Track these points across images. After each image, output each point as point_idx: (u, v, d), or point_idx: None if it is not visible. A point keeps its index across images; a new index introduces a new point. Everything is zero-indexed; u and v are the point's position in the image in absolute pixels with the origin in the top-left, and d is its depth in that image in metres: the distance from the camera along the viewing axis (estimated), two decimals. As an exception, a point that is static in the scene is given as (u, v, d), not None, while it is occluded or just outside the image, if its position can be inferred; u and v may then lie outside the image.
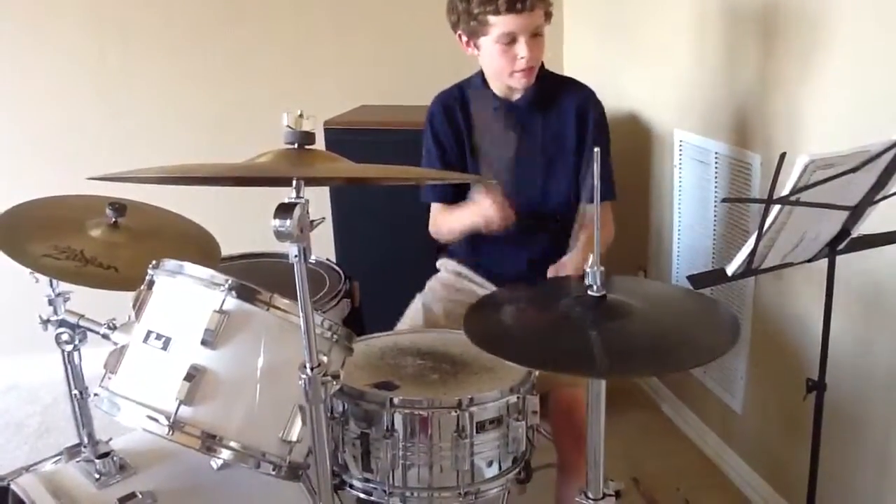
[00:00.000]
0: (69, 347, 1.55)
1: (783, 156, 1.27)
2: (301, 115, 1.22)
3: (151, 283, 1.38)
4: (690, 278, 1.46)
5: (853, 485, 1.87)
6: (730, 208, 2.23)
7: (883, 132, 1.34)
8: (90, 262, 1.52)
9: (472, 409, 1.38)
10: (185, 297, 1.35)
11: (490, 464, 1.44)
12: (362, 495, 1.45)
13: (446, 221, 1.98)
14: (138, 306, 1.37)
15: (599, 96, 1.96)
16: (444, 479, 1.41)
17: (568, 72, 2.08)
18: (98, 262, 1.53)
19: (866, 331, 1.78)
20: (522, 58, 1.79)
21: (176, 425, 1.27)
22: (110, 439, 1.59)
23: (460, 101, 1.97)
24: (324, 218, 1.18)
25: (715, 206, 2.32)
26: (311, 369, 1.17)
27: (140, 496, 1.44)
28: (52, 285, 1.53)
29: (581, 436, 1.38)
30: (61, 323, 1.54)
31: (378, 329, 1.77)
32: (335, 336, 1.36)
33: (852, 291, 1.76)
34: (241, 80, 3.08)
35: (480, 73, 1.94)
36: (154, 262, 1.39)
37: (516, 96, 1.91)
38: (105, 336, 1.42)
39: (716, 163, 2.27)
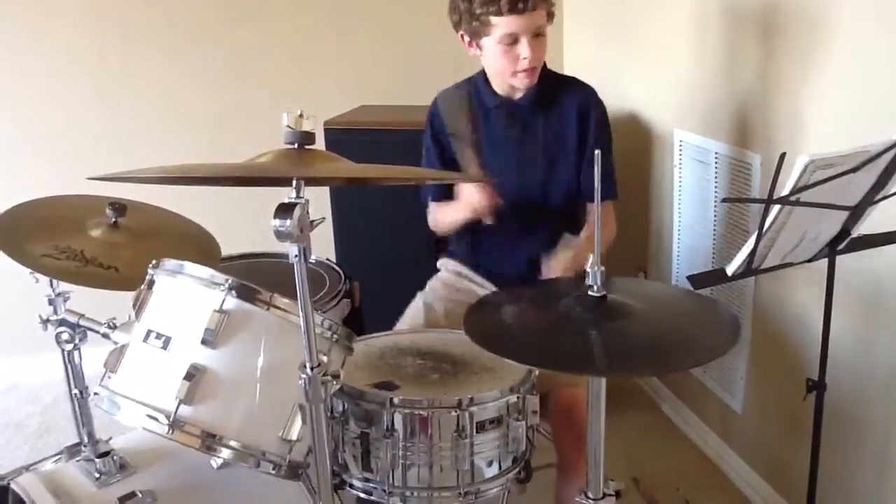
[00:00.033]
0: (69, 347, 1.55)
1: (783, 156, 1.27)
2: (301, 115, 1.22)
3: (151, 283, 1.38)
4: (690, 278, 1.46)
5: (853, 485, 1.87)
6: (730, 208, 2.23)
7: (883, 132, 1.34)
8: (90, 262, 1.53)
9: (472, 409, 1.38)
10: (186, 296, 1.35)
11: (490, 463, 1.44)
12: (362, 495, 1.45)
13: (444, 216, 1.99)
14: (138, 306, 1.37)
15: (599, 96, 1.96)
16: (444, 478, 1.41)
17: (568, 72, 2.08)
18: (98, 262, 1.53)
19: (866, 331, 1.78)
20: (525, 58, 1.79)
21: (176, 424, 1.27)
22: (110, 438, 1.60)
23: (461, 100, 1.97)
24: (324, 218, 1.18)
25: (715, 206, 2.32)
26: (311, 369, 1.17)
27: (140, 495, 1.44)
28: (52, 285, 1.53)
29: (581, 436, 1.38)
30: (61, 322, 1.54)
31: (378, 329, 1.77)
32: (335, 336, 1.36)
33: (852, 291, 1.76)
34: (241, 80, 3.08)
35: (482, 73, 1.94)
36: (154, 261, 1.39)
37: (518, 95, 1.91)
38: (105, 335, 1.42)
39: (716, 163, 2.27)
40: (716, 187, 2.29)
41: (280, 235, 1.09)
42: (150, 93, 3.05)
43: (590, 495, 1.27)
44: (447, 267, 2.09)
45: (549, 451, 1.71)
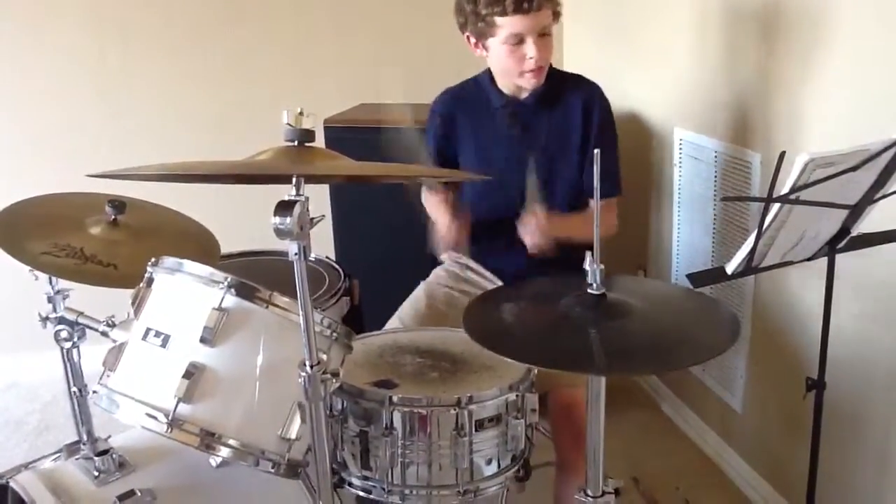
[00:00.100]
0: (68, 345, 1.55)
1: (783, 154, 1.27)
2: (301, 113, 1.22)
3: (151, 281, 1.38)
4: (690, 277, 1.46)
5: (853, 483, 1.87)
6: (729, 207, 2.23)
7: (883, 132, 1.34)
8: (89, 260, 1.53)
9: (471, 408, 1.38)
10: (185, 294, 1.35)
11: (489, 462, 1.44)
12: (361, 493, 1.45)
13: (430, 206, 2.00)
14: (137, 304, 1.37)
15: (604, 93, 1.96)
16: (443, 477, 1.41)
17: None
18: (97, 259, 1.53)
19: (866, 329, 1.78)
20: (531, 58, 1.79)
21: (175, 423, 1.27)
22: (109, 437, 1.59)
23: (466, 97, 1.98)
24: (323, 216, 1.18)
25: (715, 204, 2.32)
26: (311, 367, 1.17)
27: (139, 494, 1.44)
28: (51, 283, 1.53)
29: (580, 434, 1.38)
30: (60, 320, 1.54)
31: (378, 327, 1.78)
32: (335, 334, 1.36)
33: (852, 290, 1.76)
34: (241, 80, 3.08)
35: (488, 72, 1.95)
36: (153, 259, 1.39)
37: (523, 95, 1.91)
38: (104, 333, 1.42)
39: (716, 161, 2.27)
40: (715, 186, 2.29)
41: (280, 233, 1.09)
42: (150, 93, 3.05)
43: (589, 493, 1.27)
44: (452, 258, 2.09)
45: (548, 450, 1.71)
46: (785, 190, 1.30)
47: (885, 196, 1.43)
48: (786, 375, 2.02)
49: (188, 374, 1.26)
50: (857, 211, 1.42)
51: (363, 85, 3.10)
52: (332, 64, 3.13)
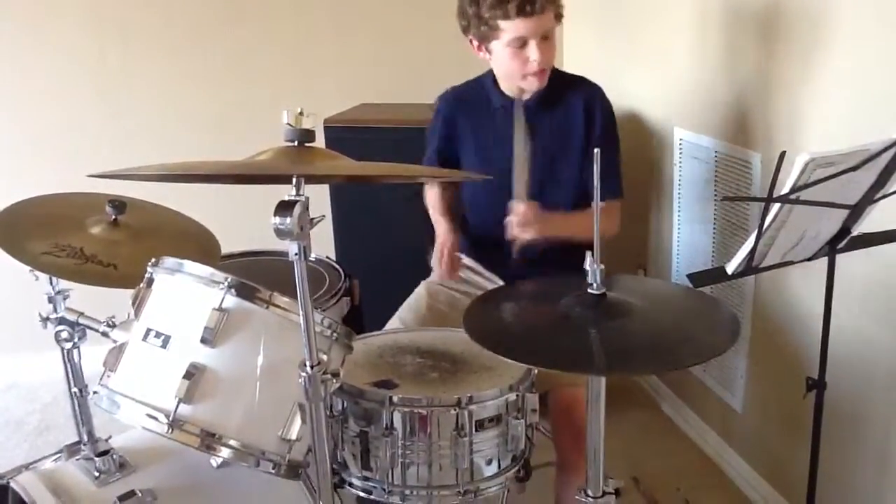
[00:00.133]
0: (69, 345, 1.55)
1: (783, 154, 1.27)
2: (301, 113, 1.22)
3: (151, 281, 1.38)
4: (690, 276, 1.46)
5: (853, 483, 1.87)
6: (730, 207, 2.23)
7: (883, 132, 1.34)
8: (90, 260, 1.52)
9: (471, 408, 1.38)
10: (185, 294, 1.35)
11: (489, 462, 1.44)
12: (362, 493, 1.45)
13: (430, 201, 2.01)
14: (138, 304, 1.37)
15: (606, 95, 1.96)
16: (444, 477, 1.41)
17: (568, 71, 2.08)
18: (98, 259, 1.53)
19: (866, 329, 1.78)
20: (534, 60, 1.79)
21: (175, 423, 1.27)
22: (110, 437, 1.59)
23: (468, 98, 1.98)
24: (323, 216, 1.18)
25: (715, 204, 2.32)
26: (311, 367, 1.17)
27: (139, 494, 1.44)
28: (51, 283, 1.53)
29: (581, 434, 1.38)
30: (61, 321, 1.54)
31: (378, 327, 1.78)
32: (335, 334, 1.36)
33: (852, 290, 1.76)
34: (241, 80, 3.08)
35: (491, 73, 1.95)
36: (154, 259, 1.39)
37: (526, 96, 1.91)
38: (104, 334, 1.42)
39: (716, 161, 2.27)
40: (716, 186, 2.29)
41: (280, 233, 1.09)
42: (150, 93, 3.05)
43: (589, 493, 1.27)
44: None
45: (548, 450, 1.71)
46: (785, 190, 1.30)
47: (885, 196, 1.43)
48: (786, 375, 2.02)
49: (189, 375, 1.26)
50: (857, 211, 1.42)
51: (363, 85, 3.10)
52: (332, 64, 3.13)
